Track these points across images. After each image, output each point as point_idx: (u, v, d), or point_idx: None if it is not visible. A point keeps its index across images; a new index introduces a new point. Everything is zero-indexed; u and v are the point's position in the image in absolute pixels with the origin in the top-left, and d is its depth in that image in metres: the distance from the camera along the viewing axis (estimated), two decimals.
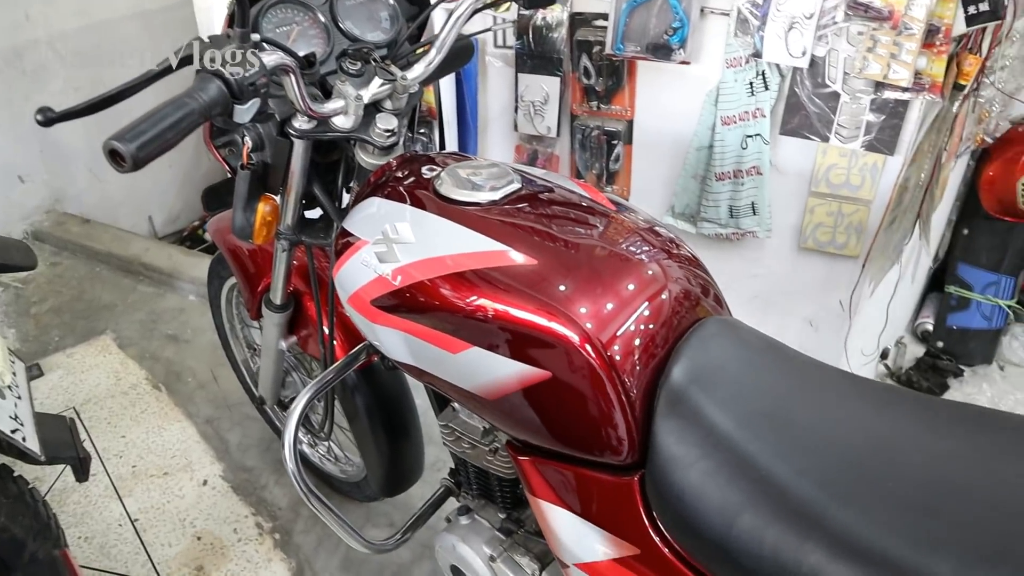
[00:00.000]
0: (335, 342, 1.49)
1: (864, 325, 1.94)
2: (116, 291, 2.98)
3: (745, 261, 1.85)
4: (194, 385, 2.49)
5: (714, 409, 0.90)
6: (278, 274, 1.46)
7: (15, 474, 1.41)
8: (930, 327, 2.76)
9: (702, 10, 1.63)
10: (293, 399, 1.90)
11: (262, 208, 1.23)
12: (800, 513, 0.80)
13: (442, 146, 1.97)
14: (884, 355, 2.57)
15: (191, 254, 3.16)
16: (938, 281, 2.81)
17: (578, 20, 1.77)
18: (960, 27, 1.48)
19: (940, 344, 2.72)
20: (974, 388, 2.62)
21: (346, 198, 1.36)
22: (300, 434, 1.98)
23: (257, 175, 1.22)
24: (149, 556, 1.90)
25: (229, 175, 1.31)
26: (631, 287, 0.98)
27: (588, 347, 0.92)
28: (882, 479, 0.82)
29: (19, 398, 1.42)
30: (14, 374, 1.47)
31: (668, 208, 1.87)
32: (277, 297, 1.50)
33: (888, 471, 0.83)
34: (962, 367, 2.67)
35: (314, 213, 1.35)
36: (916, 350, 2.76)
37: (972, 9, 1.47)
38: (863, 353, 2.06)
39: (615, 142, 1.86)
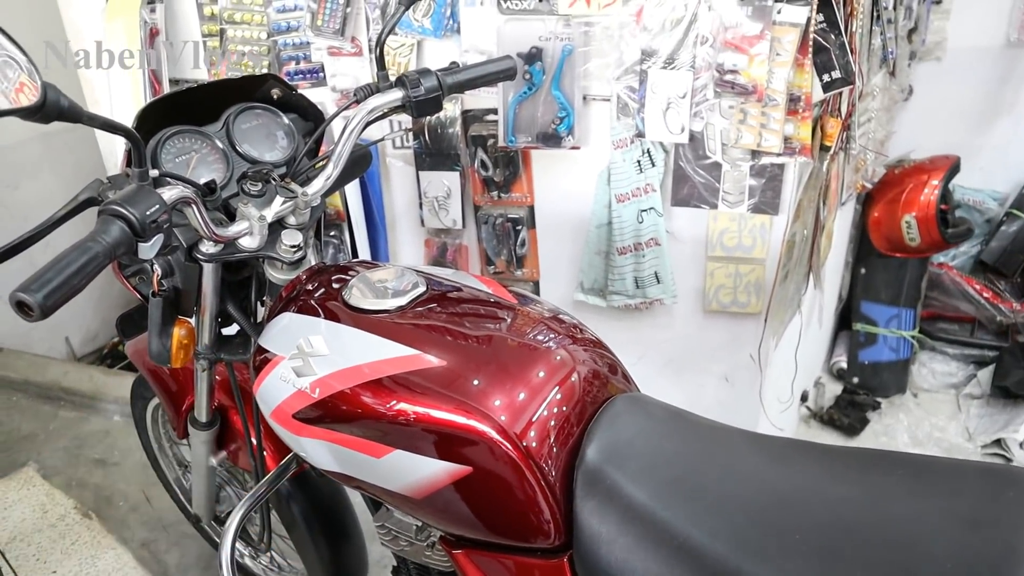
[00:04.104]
0: (265, 453, 1.50)
1: (776, 375, 2.03)
2: (36, 419, 2.90)
3: (656, 328, 1.93)
4: (126, 508, 2.43)
5: (629, 484, 0.95)
6: (201, 393, 1.47)
7: None
8: (844, 365, 2.89)
9: (584, 98, 1.73)
10: (230, 514, 1.89)
11: (177, 332, 1.25)
12: (718, 574, 0.85)
13: (353, 247, 2.02)
14: (804, 397, 2.67)
15: (113, 373, 3.10)
16: (846, 320, 2.95)
17: (470, 117, 1.85)
18: (818, 94, 1.61)
19: (856, 380, 2.84)
20: (892, 419, 2.74)
21: (261, 311, 1.38)
22: (240, 547, 1.96)
23: (169, 300, 1.24)
24: None
25: (142, 301, 1.32)
26: (540, 375, 1.03)
27: (503, 439, 0.96)
28: (789, 531, 0.88)
29: None
30: None
31: (578, 285, 1.94)
32: (202, 415, 1.51)
33: (793, 523, 0.89)
34: (879, 400, 2.78)
35: (231, 329, 1.37)
36: (834, 388, 2.87)
37: (826, 77, 1.60)
38: (780, 400, 2.14)
39: (519, 228, 1.93)
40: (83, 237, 0.92)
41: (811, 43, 1.55)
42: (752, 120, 1.61)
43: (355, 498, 1.67)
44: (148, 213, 0.94)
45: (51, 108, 0.88)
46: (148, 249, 0.97)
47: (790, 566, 0.83)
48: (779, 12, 1.53)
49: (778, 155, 1.63)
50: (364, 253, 2.05)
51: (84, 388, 2.94)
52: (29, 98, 0.88)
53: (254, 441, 1.48)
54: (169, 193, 0.99)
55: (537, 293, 2.00)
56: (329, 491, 1.64)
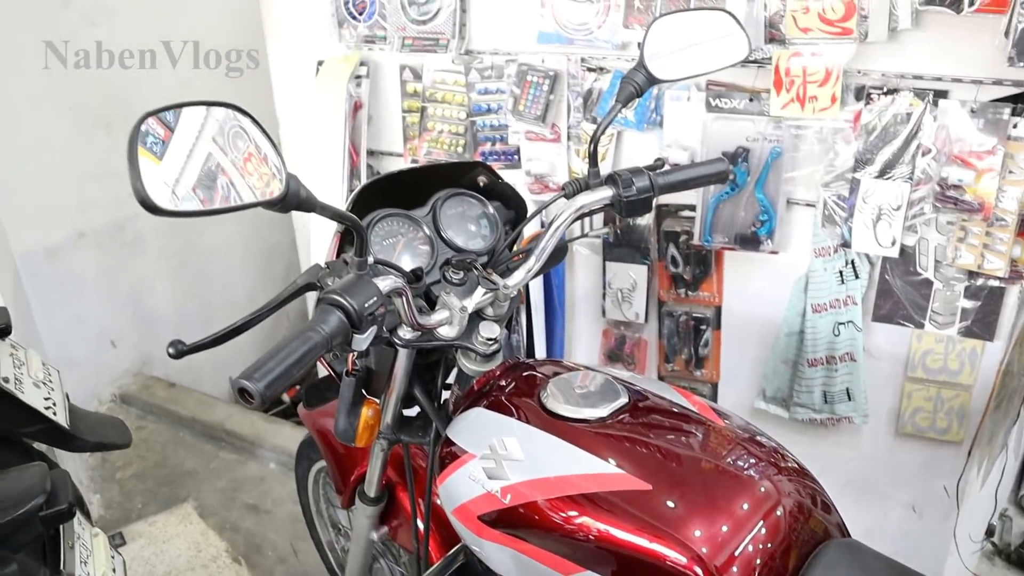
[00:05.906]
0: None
1: (971, 511, 1.85)
2: (198, 457, 3.02)
3: (841, 446, 1.81)
4: (274, 559, 2.47)
5: None
6: (374, 469, 1.46)
7: None
8: None
9: (788, 202, 1.66)
10: None
11: (365, 413, 1.25)
12: None
13: (529, 331, 2.00)
14: (989, 532, 2.43)
15: (272, 421, 3.20)
16: None
17: (664, 211, 1.82)
18: None
19: None
20: None
21: (443, 394, 1.37)
22: None
23: (361, 380, 1.25)
24: None
25: (332, 377, 1.34)
26: (745, 507, 0.96)
27: (703, 573, 0.89)
28: None
29: None
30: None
31: (759, 392, 1.85)
32: (372, 491, 1.50)
33: None
34: None
35: (411, 410, 1.37)
36: (1022, 523, 2.61)
37: None
38: (972, 539, 1.95)
39: (704, 327, 1.87)
40: (303, 326, 0.93)
41: None
42: (973, 239, 1.50)
43: None
44: (366, 305, 0.94)
45: (291, 199, 0.90)
46: (362, 340, 0.97)
47: None
48: (1015, 127, 1.42)
49: (1001, 279, 1.50)
50: (540, 338, 2.03)
51: (245, 432, 3.05)
52: (273, 189, 0.90)
53: (420, 524, 1.46)
54: (384, 283, 0.99)
55: (715, 396, 1.92)
56: None
